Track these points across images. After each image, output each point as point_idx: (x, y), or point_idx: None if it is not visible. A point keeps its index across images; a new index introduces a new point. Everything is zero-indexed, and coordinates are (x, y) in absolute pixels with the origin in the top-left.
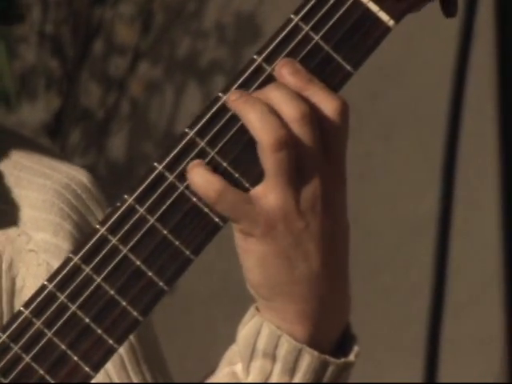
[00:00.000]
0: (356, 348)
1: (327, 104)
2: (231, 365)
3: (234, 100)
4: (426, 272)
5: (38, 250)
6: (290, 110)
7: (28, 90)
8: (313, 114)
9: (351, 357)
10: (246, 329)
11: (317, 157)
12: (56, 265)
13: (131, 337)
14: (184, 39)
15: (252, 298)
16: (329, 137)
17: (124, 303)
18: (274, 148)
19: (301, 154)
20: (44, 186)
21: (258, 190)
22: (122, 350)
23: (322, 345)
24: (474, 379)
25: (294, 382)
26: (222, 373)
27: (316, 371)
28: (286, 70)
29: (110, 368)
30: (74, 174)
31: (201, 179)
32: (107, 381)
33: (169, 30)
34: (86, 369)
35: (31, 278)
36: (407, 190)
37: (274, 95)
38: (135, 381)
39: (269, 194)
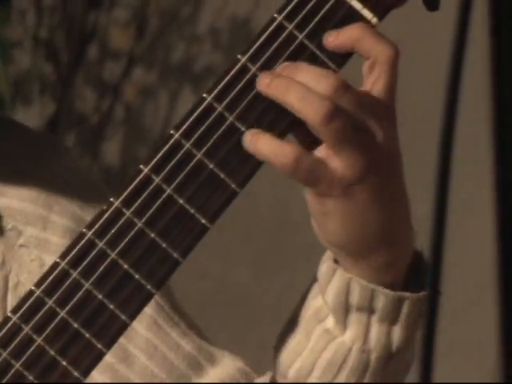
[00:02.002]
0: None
1: (383, 52)
2: (320, 322)
3: (267, 85)
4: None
5: (29, 245)
6: (323, 87)
7: (23, 95)
8: (345, 81)
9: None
10: (332, 287)
11: (370, 114)
12: (49, 259)
13: (156, 296)
14: (178, 44)
15: (247, 301)
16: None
17: (112, 307)
18: (324, 122)
19: (353, 116)
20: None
21: (327, 154)
22: (151, 311)
23: (400, 283)
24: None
25: (395, 328)
26: (314, 334)
27: (414, 313)
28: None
29: (150, 334)
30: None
31: (272, 148)
32: (151, 347)
33: (163, 35)
34: (76, 374)
35: (25, 273)
36: None
37: (301, 77)
38: (173, 333)
39: (336, 159)
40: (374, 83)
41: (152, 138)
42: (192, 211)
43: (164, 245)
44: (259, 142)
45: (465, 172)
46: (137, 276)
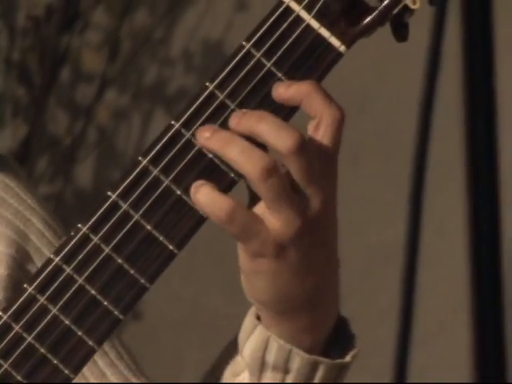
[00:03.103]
0: (355, 349)
1: (330, 114)
2: (235, 376)
3: (207, 139)
4: (393, 299)
5: None
6: (281, 143)
7: None
8: (306, 141)
9: (348, 358)
10: (251, 342)
11: (315, 178)
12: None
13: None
14: (151, 66)
15: (219, 325)
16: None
17: (80, 333)
18: (262, 178)
19: (298, 179)
20: None
21: (264, 212)
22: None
23: (320, 347)
24: None
25: None
26: None
27: (329, 378)
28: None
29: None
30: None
31: (208, 199)
32: (80, 375)
33: (136, 58)
34: None
35: None
36: (375, 216)
37: (260, 129)
38: (100, 362)
39: (271, 217)
40: (318, 144)
41: (125, 160)
42: (160, 237)
43: (132, 271)
44: (198, 193)
45: (438, 195)
46: (104, 302)
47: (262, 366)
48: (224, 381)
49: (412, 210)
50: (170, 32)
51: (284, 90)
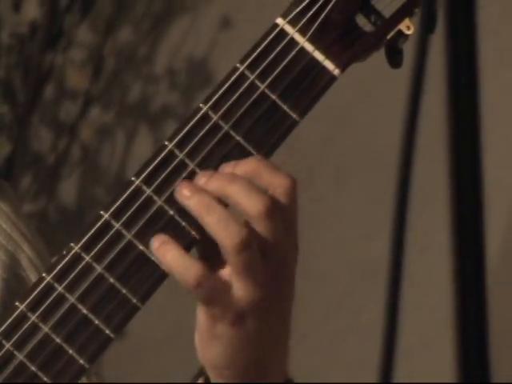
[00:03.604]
0: None
1: (280, 185)
2: None
3: (188, 198)
4: (377, 316)
5: None
6: (250, 207)
7: None
8: (274, 204)
9: None
10: None
11: (281, 241)
12: None
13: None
14: (135, 84)
15: None
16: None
17: (71, 351)
18: (237, 251)
19: (265, 242)
20: None
21: (229, 278)
22: None
23: None
24: None
25: None
26: None
27: None
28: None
29: None
30: None
31: (178, 263)
32: None
33: (120, 75)
34: None
35: None
36: (358, 234)
37: (231, 190)
38: None
39: (237, 285)
40: (282, 207)
41: (108, 178)
42: (152, 257)
43: (123, 290)
44: (166, 255)
45: (422, 212)
46: (96, 321)
47: None
48: None
49: (396, 227)
50: (153, 49)
51: (232, 171)
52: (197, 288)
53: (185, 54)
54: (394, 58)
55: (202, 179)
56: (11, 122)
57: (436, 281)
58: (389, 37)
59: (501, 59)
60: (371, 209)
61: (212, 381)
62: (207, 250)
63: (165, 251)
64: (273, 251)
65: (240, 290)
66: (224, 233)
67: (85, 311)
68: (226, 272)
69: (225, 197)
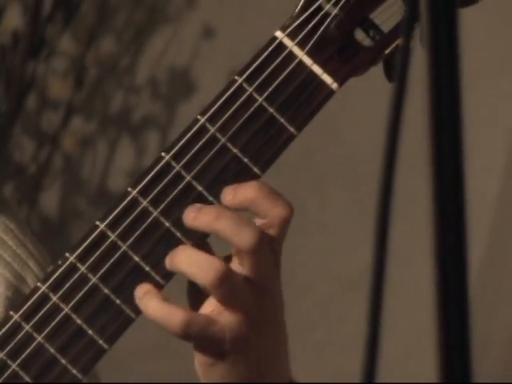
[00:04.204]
0: None
1: (277, 215)
2: None
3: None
4: (359, 327)
5: None
6: (239, 242)
7: None
8: (263, 238)
9: None
10: None
11: (268, 272)
12: None
13: None
14: (117, 94)
15: (187, 353)
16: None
17: (64, 362)
18: (216, 285)
19: (253, 275)
20: None
21: (213, 308)
22: None
23: None
24: None
25: None
26: None
27: None
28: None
29: None
30: None
31: (161, 313)
32: None
33: (102, 85)
34: None
35: None
36: (341, 244)
37: (219, 226)
38: None
39: (226, 314)
40: (271, 239)
41: (90, 188)
42: (147, 268)
43: (118, 301)
44: (148, 307)
45: (404, 223)
46: (89, 331)
47: None
48: None
49: (378, 237)
50: (135, 59)
51: (232, 198)
52: (185, 333)
53: (167, 64)
54: (392, 72)
55: (190, 214)
56: None
57: (418, 291)
58: (387, 51)
59: (483, 71)
60: (354, 219)
61: None
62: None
63: (146, 302)
64: (260, 283)
65: (231, 317)
66: (199, 272)
67: (79, 321)
68: (210, 305)
69: (213, 233)
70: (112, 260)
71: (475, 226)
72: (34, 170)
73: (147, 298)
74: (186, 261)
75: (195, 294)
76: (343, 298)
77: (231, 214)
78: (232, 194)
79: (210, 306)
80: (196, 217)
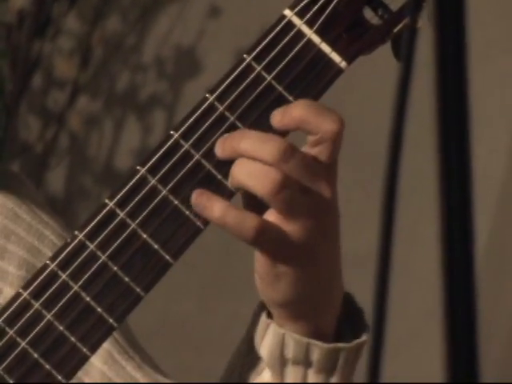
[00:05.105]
0: (367, 326)
1: (327, 130)
2: (258, 374)
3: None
4: (365, 308)
5: None
6: (266, 155)
7: None
8: (291, 144)
9: (364, 337)
10: (267, 341)
11: (316, 177)
12: (5, 290)
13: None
14: (123, 73)
15: (191, 333)
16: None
17: (73, 339)
18: (273, 194)
19: (300, 181)
20: None
21: (280, 220)
22: (106, 345)
23: (333, 328)
24: None
25: (331, 380)
26: None
27: (350, 360)
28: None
29: (105, 367)
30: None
31: (232, 218)
32: (106, 380)
33: (108, 64)
34: None
35: None
36: (346, 224)
37: (244, 147)
38: (128, 367)
39: (289, 225)
40: (319, 153)
41: (96, 167)
42: (156, 247)
43: (127, 279)
44: (221, 214)
45: (410, 202)
46: (99, 309)
47: (281, 362)
48: (245, 379)
49: (384, 218)
50: (141, 38)
51: (280, 120)
52: (257, 240)
53: (173, 43)
54: (400, 49)
55: (218, 148)
56: None
57: (424, 271)
58: (395, 30)
59: (489, 50)
60: (359, 200)
61: (275, 318)
62: (250, 202)
63: (213, 205)
64: (310, 187)
65: (295, 227)
66: (255, 182)
67: (88, 299)
68: (274, 216)
69: (241, 155)
70: (121, 238)
71: (482, 206)
72: (40, 148)
73: (214, 202)
74: (244, 172)
75: (251, 209)
76: (349, 277)
77: (251, 133)
78: (280, 115)
79: (271, 218)
80: (223, 147)
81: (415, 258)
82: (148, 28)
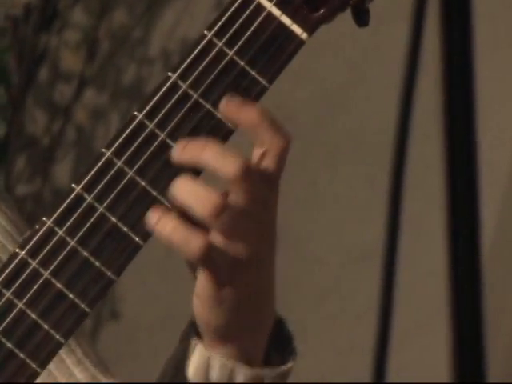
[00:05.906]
0: (294, 354)
1: (275, 146)
2: None
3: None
4: (372, 299)
5: None
6: (224, 170)
7: None
8: (248, 161)
9: (290, 364)
10: (193, 362)
11: (261, 200)
12: None
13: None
14: (129, 66)
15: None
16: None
17: (46, 327)
18: (213, 216)
19: (245, 202)
20: None
21: (223, 240)
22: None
23: (262, 352)
24: None
25: None
26: None
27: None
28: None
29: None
30: None
31: (178, 237)
32: (45, 372)
33: (114, 57)
34: None
35: None
36: (353, 216)
37: (205, 158)
38: (68, 360)
39: (231, 247)
40: (265, 167)
41: None
42: (125, 229)
43: (97, 263)
44: (166, 228)
45: (416, 195)
46: (71, 295)
47: (206, 383)
48: None
49: (390, 210)
50: (148, 31)
51: (235, 112)
52: (202, 258)
53: (179, 36)
54: (361, 17)
55: (177, 150)
56: (5, 105)
57: (430, 263)
58: None
59: (495, 42)
60: (365, 192)
61: (205, 339)
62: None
63: (164, 225)
64: (255, 210)
65: (233, 249)
66: (196, 205)
67: (59, 286)
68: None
69: (200, 165)
70: (89, 223)
71: (488, 199)
72: (46, 142)
73: (165, 221)
74: (186, 189)
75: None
76: (355, 270)
77: (216, 145)
78: (236, 112)
79: (215, 238)
80: (183, 151)
81: (421, 251)
82: (154, 21)
